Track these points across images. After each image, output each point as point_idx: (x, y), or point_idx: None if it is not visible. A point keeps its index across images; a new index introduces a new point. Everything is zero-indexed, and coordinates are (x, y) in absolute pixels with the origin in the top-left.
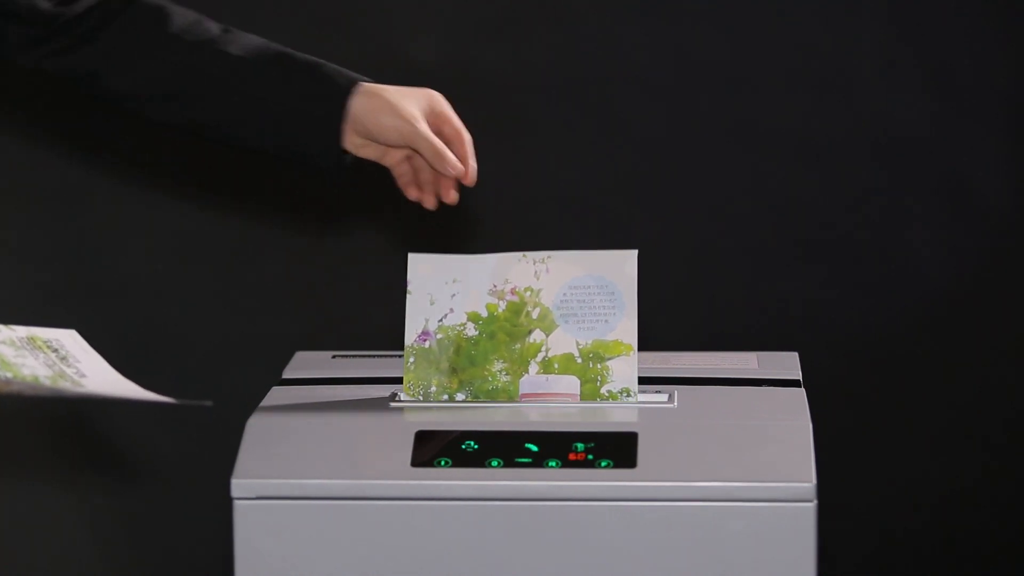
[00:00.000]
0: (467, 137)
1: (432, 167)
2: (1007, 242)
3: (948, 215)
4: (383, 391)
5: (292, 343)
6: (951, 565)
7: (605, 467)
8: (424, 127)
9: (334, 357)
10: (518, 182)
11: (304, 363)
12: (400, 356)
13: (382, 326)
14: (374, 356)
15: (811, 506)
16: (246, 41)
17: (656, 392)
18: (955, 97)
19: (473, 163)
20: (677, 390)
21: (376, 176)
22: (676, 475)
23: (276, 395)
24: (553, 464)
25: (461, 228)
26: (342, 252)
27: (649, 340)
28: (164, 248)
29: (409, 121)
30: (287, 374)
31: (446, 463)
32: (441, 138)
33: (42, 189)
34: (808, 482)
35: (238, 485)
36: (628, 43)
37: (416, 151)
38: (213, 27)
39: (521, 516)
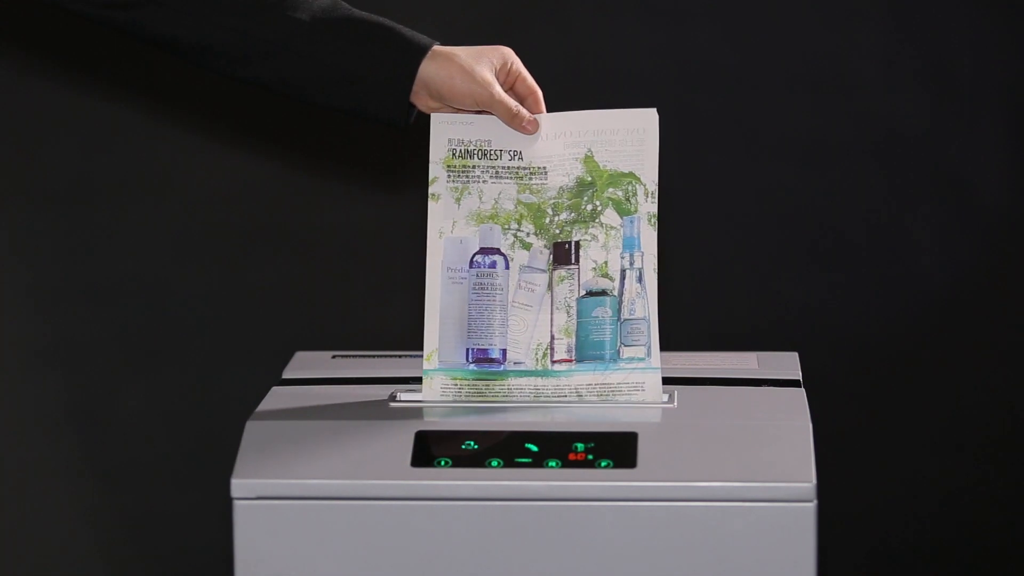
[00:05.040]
0: (539, 93)
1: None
2: (1007, 242)
3: (948, 215)
4: (383, 391)
5: (292, 343)
6: (951, 565)
7: (605, 467)
8: (498, 90)
9: (334, 357)
10: None
11: (304, 363)
12: (399, 356)
13: (382, 326)
14: (374, 356)
15: (811, 506)
16: (317, 2)
17: None
18: (955, 97)
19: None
20: (677, 390)
21: (377, 177)
22: (676, 475)
23: (276, 395)
24: (553, 464)
25: None
26: (342, 252)
27: None
28: (164, 248)
29: (483, 86)
30: (287, 374)
31: (446, 463)
32: (514, 96)
33: (42, 189)
34: (808, 482)
35: (238, 485)
36: (628, 43)
37: (491, 113)
38: None
39: (521, 516)
